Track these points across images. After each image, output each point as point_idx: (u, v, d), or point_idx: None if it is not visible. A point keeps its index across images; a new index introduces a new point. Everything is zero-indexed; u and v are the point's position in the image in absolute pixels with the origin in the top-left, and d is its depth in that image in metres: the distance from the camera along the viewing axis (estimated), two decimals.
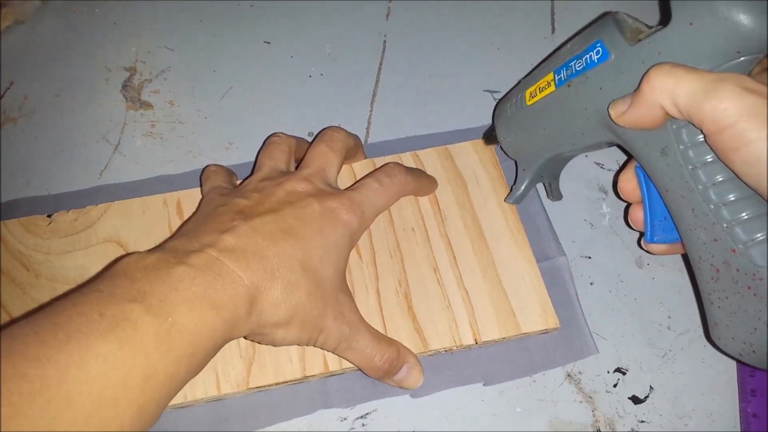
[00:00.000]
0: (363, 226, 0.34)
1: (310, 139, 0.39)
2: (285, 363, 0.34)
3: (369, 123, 0.45)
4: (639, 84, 0.28)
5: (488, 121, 0.44)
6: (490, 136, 0.40)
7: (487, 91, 0.46)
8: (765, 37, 0.25)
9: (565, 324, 0.36)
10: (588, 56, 0.31)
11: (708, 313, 0.30)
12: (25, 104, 0.46)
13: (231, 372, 0.33)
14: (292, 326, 0.30)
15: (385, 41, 0.49)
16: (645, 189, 0.32)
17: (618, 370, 0.36)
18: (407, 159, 0.40)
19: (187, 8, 0.51)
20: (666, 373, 0.35)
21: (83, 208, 0.39)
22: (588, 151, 0.42)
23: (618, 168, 0.42)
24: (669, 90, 0.26)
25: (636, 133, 0.30)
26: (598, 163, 0.43)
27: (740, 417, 0.34)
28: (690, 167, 0.28)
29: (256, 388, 0.33)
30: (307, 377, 0.33)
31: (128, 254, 0.28)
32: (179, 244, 0.29)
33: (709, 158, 0.28)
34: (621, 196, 0.34)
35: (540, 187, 0.41)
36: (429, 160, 0.40)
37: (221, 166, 0.38)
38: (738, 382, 0.36)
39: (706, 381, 0.35)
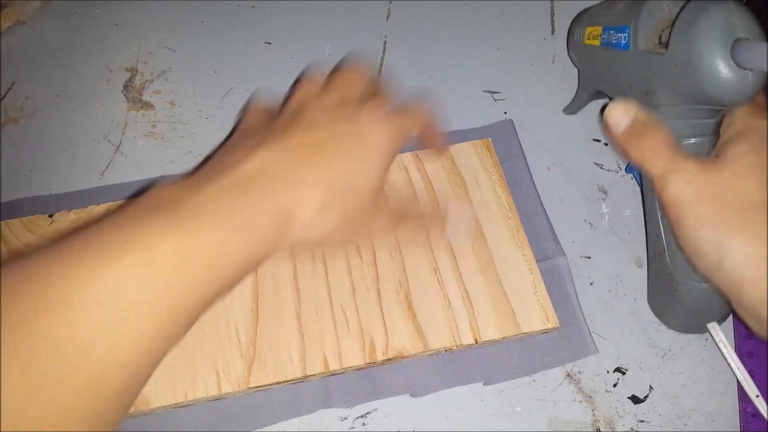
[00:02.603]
0: (396, 145, 0.33)
1: None
2: (285, 362, 0.34)
3: None
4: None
5: (488, 121, 0.44)
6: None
7: (487, 91, 0.46)
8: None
9: (564, 324, 0.36)
10: (620, 36, 0.35)
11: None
12: (26, 104, 0.46)
13: (231, 371, 0.33)
14: (329, 245, 0.31)
15: (385, 42, 0.49)
16: None
17: (618, 369, 0.36)
18: (407, 159, 0.40)
19: (188, 9, 0.51)
20: (666, 373, 0.35)
21: (85, 208, 0.39)
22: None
23: (617, 167, 0.43)
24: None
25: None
26: (597, 164, 0.43)
27: (740, 417, 0.34)
28: None
29: (257, 387, 0.33)
30: (307, 377, 0.34)
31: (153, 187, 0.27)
32: (206, 170, 0.28)
33: None
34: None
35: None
36: (429, 160, 0.40)
37: (264, 106, 0.37)
38: (737, 382, 0.36)
39: (705, 381, 0.35)
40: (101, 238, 0.24)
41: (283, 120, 0.32)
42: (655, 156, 0.31)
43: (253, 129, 0.33)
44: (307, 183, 0.29)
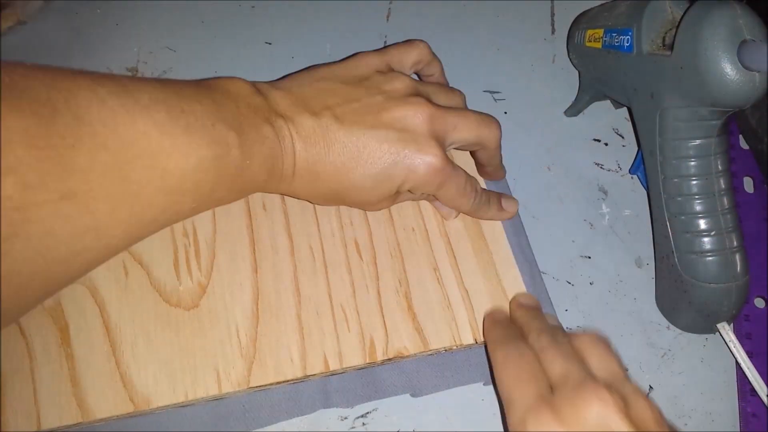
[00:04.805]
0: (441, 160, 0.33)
1: None
2: (286, 362, 0.34)
3: None
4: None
5: None
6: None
7: (487, 91, 0.46)
8: None
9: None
10: (623, 38, 0.35)
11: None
12: None
13: (232, 371, 0.33)
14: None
15: (385, 42, 0.49)
16: None
17: None
18: None
19: (188, 9, 0.52)
20: (665, 373, 0.35)
21: None
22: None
23: (617, 168, 0.43)
24: None
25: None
26: (597, 164, 0.43)
27: (740, 417, 0.34)
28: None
29: (257, 387, 0.33)
30: (307, 376, 0.34)
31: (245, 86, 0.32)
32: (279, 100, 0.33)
33: None
34: None
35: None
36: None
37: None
38: (737, 381, 0.36)
39: (705, 381, 0.35)
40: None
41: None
42: None
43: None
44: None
